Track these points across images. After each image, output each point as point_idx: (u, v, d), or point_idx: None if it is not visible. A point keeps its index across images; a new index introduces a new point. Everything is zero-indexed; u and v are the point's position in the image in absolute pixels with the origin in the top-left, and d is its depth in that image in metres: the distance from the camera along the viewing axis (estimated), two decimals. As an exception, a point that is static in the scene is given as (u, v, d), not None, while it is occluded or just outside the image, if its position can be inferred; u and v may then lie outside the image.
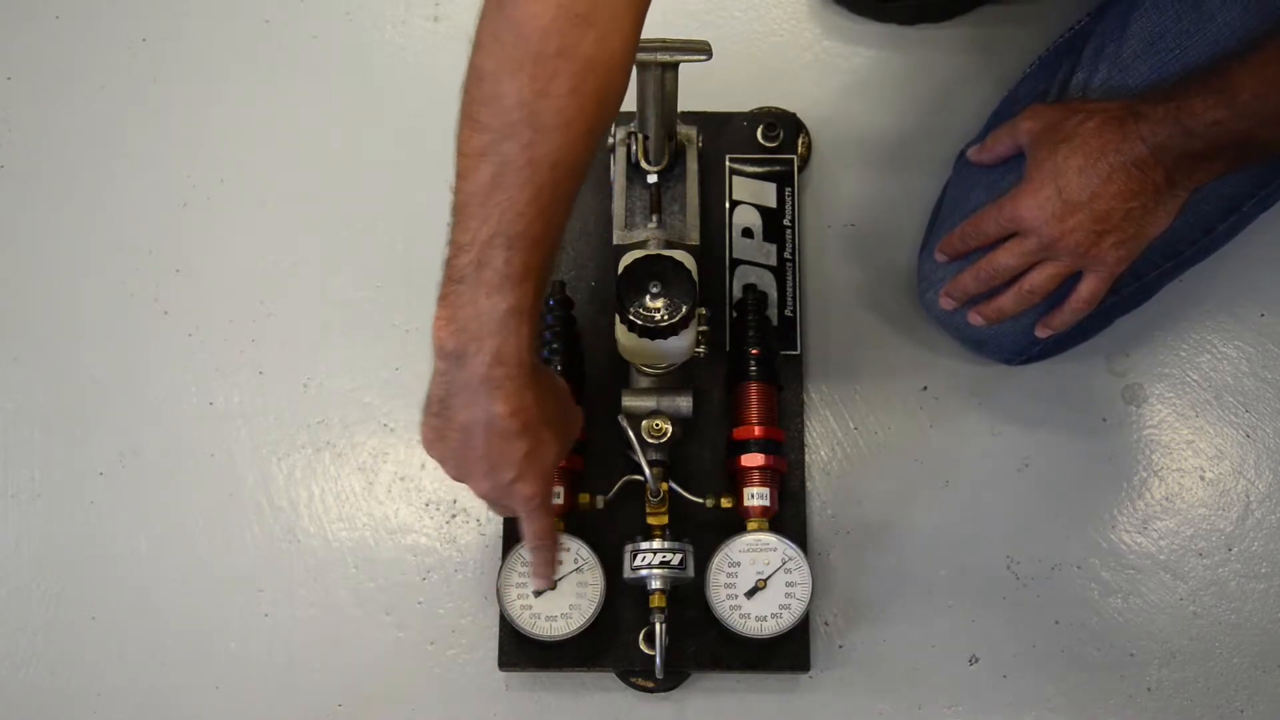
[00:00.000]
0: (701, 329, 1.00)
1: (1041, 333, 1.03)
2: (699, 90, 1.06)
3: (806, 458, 1.09)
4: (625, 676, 1.04)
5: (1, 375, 1.14)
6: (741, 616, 1.00)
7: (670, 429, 1.01)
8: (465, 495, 1.10)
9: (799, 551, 1.01)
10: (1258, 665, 1.07)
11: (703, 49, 0.91)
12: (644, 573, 0.98)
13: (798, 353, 1.10)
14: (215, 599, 1.08)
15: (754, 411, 1.04)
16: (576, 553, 1.00)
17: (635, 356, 1.00)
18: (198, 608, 1.08)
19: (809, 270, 1.14)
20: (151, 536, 1.10)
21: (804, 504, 1.07)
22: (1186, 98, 0.91)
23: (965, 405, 1.12)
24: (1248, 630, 1.07)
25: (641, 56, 0.89)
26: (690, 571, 0.99)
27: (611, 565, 1.00)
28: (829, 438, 1.11)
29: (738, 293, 1.10)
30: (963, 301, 1.04)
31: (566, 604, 1.00)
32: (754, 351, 1.05)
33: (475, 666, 1.06)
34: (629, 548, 0.99)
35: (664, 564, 0.98)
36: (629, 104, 0.84)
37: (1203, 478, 1.11)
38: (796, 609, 1.00)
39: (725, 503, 1.03)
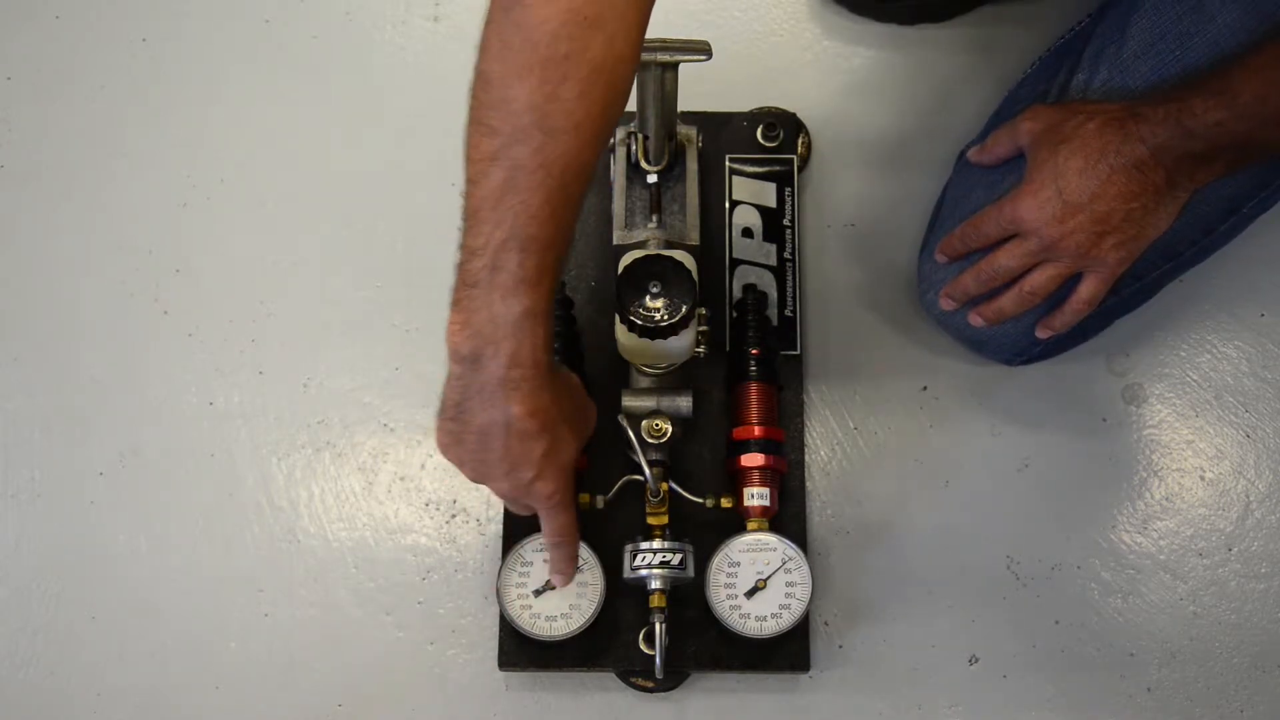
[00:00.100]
0: (701, 329, 1.00)
1: (1042, 333, 1.03)
2: (699, 90, 1.06)
3: (806, 458, 1.09)
4: (625, 676, 1.04)
5: (1, 375, 1.14)
6: (741, 616, 1.00)
7: (670, 429, 1.01)
8: (465, 495, 1.10)
9: (799, 551, 1.01)
10: (1258, 665, 1.07)
11: (703, 49, 0.91)
12: (644, 573, 0.98)
13: (798, 353, 1.10)
14: (215, 599, 1.08)
15: (754, 411, 1.04)
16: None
17: (635, 356, 1.00)
18: (198, 608, 1.08)
19: (809, 270, 1.14)
20: (151, 536, 1.10)
21: (804, 504, 1.07)
22: (1187, 99, 0.91)
23: (965, 405, 1.12)
24: (1248, 630, 1.07)
25: (642, 57, 0.89)
26: (690, 571, 0.99)
27: (611, 565, 1.00)
28: (829, 438, 1.11)
29: (738, 293, 1.10)
30: (963, 302, 1.04)
31: (566, 604, 1.00)
32: (754, 351, 1.05)
33: (475, 666, 1.06)
34: (629, 548, 0.99)
35: (664, 564, 0.98)
36: (629, 104, 0.84)
37: (1203, 478, 1.11)
38: (796, 609, 1.00)
39: (725, 503, 1.03)
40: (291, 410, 1.13)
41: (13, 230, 1.18)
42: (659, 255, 0.95)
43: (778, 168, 1.14)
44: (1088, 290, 0.99)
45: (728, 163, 1.14)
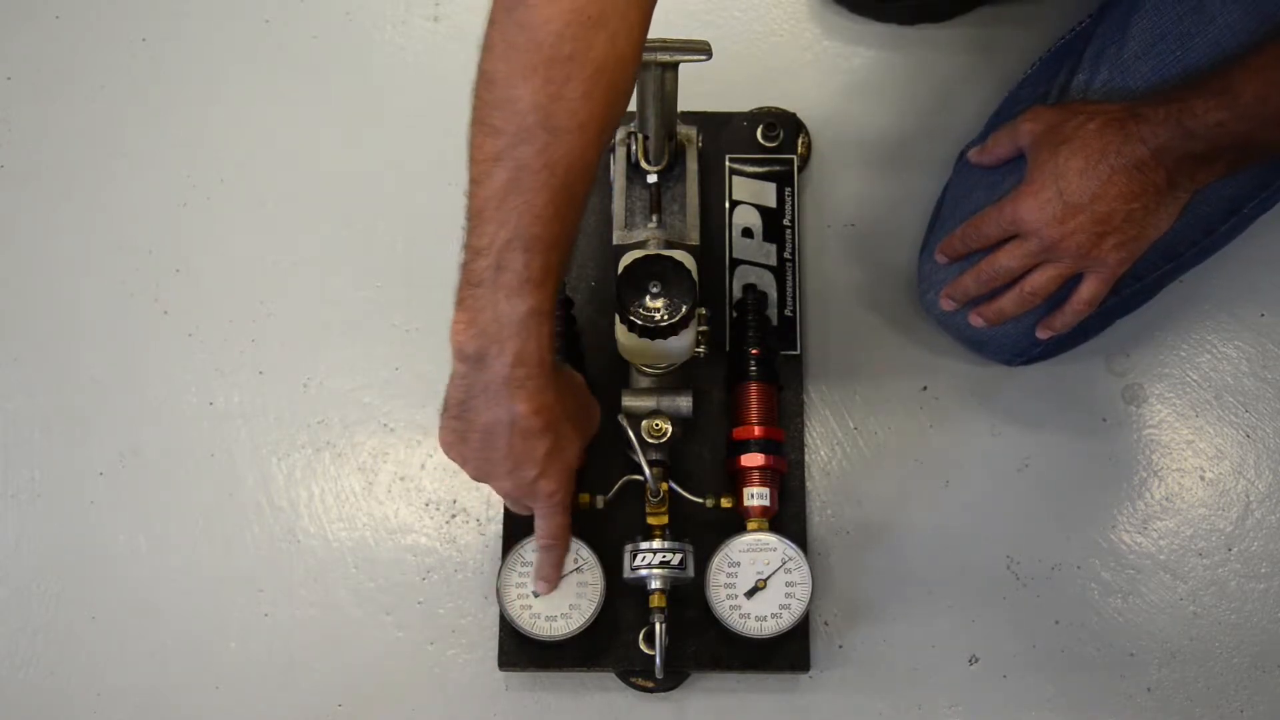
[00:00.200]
0: (701, 329, 1.00)
1: (1042, 334, 1.03)
2: (699, 90, 1.06)
3: (806, 458, 1.09)
4: (625, 676, 1.04)
5: (1, 375, 1.14)
6: (741, 616, 1.00)
7: (670, 429, 1.01)
8: (465, 495, 1.10)
9: (799, 551, 1.01)
10: (1258, 665, 1.07)
11: (703, 49, 0.91)
12: (644, 573, 0.98)
13: (798, 353, 1.10)
14: (215, 599, 1.08)
15: (754, 411, 1.04)
16: (576, 553, 1.00)
17: (635, 356, 1.00)
18: (198, 608, 1.08)
19: (809, 270, 1.14)
20: (151, 536, 1.10)
21: (804, 504, 1.07)
22: (1188, 99, 0.91)
23: (965, 405, 1.12)
24: (1248, 630, 1.07)
25: (642, 57, 0.89)
26: (690, 571, 0.99)
27: (611, 565, 1.00)
28: (829, 438, 1.11)
29: (738, 293, 1.10)
30: (963, 303, 1.04)
31: (566, 604, 1.00)
32: (754, 351, 1.05)
33: (475, 666, 1.06)
34: (629, 548, 0.99)
35: (664, 564, 0.98)
36: (629, 104, 0.84)
37: (1203, 478, 1.11)
38: (796, 609, 1.00)
39: (725, 503, 1.03)
40: (291, 410, 1.13)
41: (13, 230, 1.18)
42: (659, 255, 0.95)
43: (778, 168, 1.14)
44: (1088, 291, 0.99)
45: (728, 163, 1.14)
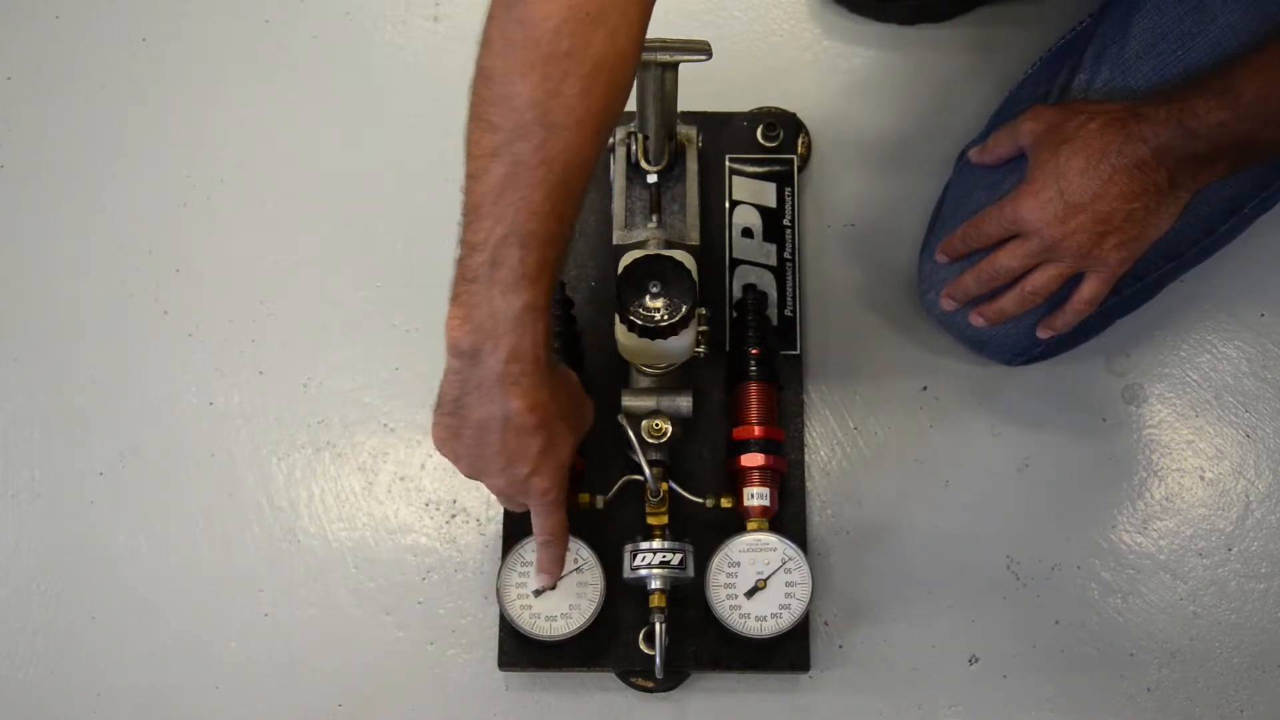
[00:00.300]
0: (701, 329, 1.00)
1: (1043, 334, 1.03)
2: (699, 90, 1.06)
3: (806, 458, 1.09)
4: (625, 676, 1.04)
5: (1, 375, 1.14)
6: (741, 616, 1.00)
7: (670, 429, 1.01)
8: (465, 495, 1.10)
9: (799, 551, 1.01)
10: (1258, 665, 1.07)
11: (703, 49, 0.91)
12: (644, 573, 0.98)
13: (798, 353, 1.10)
14: (215, 599, 1.08)
15: (754, 411, 1.04)
16: (576, 553, 1.00)
17: (635, 356, 1.00)
18: (198, 608, 1.08)
19: (809, 270, 1.14)
20: (151, 536, 1.10)
21: (804, 504, 1.07)
22: (1189, 99, 0.91)
23: (965, 405, 1.12)
24: (1248, 630, 1.07)
25: (642, 56, 0.89)
26: (690, 571, 0.99)
27: (611, 565, 1.00)
28: (829, 438, 1.11)
29: (738, 293, 1.10)
30: (964, 302, 1.04)
31: (566, 604, 1.00)
32: (754, 351, 1.05)
33: (475, 666, 1.06)
34: (629, 548, 0.99)
35: (664, 564, 0.98)
36: (629, 104, 0.84)
37: (1203, 478, 1.11)
38: (796, 609, 1.00)
39: (725, 503, 1.03)
40: (291, 410, 1.13)
41: (13, 230, 1.18)
42: (659, 255, 0.95)
43: (778, 168, 1.14)
44: (1089, 290, 0.99)
45: (728, 163, 1.14)
